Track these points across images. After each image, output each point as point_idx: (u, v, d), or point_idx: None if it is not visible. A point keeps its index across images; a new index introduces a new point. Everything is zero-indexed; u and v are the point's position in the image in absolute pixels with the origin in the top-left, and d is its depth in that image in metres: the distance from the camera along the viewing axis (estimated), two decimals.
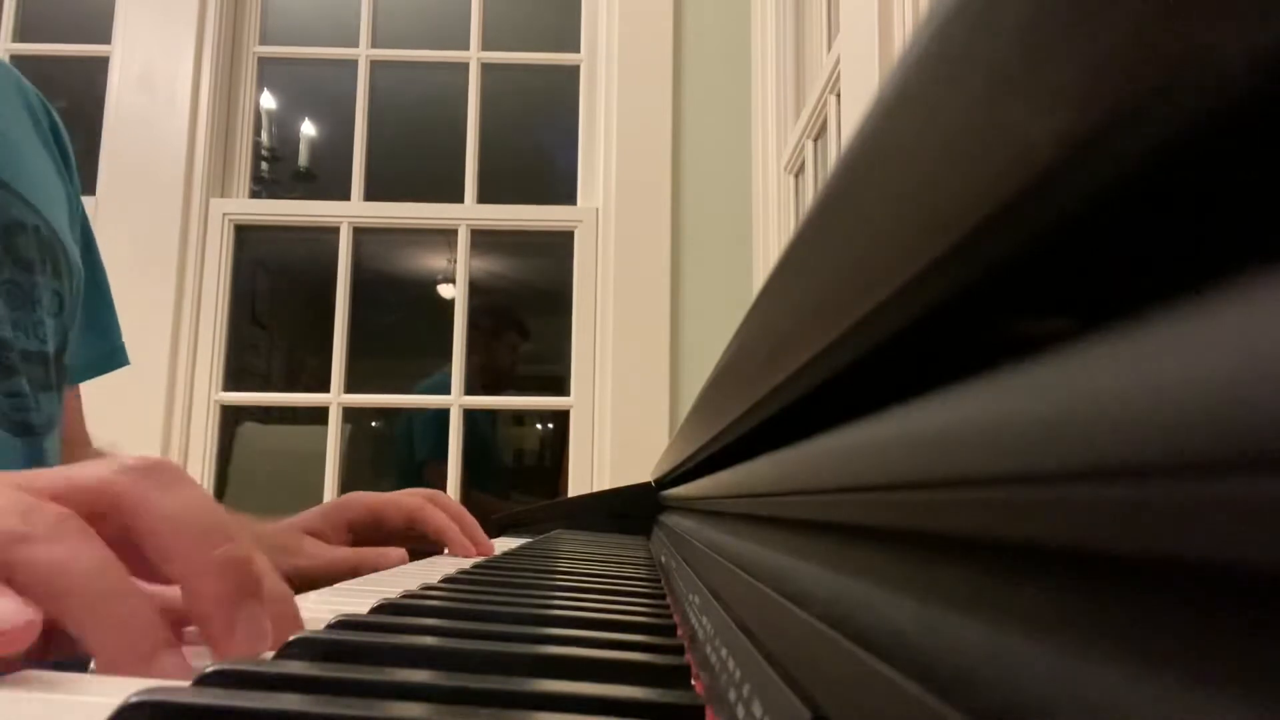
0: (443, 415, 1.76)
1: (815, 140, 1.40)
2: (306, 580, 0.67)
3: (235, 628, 0.27)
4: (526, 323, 2.29)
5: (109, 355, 0.76)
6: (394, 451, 2.18)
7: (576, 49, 1.81)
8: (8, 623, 0.22)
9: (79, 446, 0.74)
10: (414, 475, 1.95)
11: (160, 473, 0.28)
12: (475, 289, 1.82)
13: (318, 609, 0.34)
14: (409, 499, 0.75)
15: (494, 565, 0.55)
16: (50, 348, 0.62)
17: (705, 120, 1.69)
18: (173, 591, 0.29)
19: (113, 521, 0.27)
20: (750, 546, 0.26)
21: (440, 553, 0.76)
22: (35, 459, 0.59)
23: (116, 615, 0.25)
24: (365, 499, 0.75)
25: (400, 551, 0.70)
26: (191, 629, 0.30)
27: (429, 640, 0.27)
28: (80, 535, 0.26)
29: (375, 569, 0.68)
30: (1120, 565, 0.07)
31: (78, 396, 0.75)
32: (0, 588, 0.23)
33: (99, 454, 0.76)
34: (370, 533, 0.74)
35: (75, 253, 0.67)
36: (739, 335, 0.25)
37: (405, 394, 1.96)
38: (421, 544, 0.76)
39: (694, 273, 1.65)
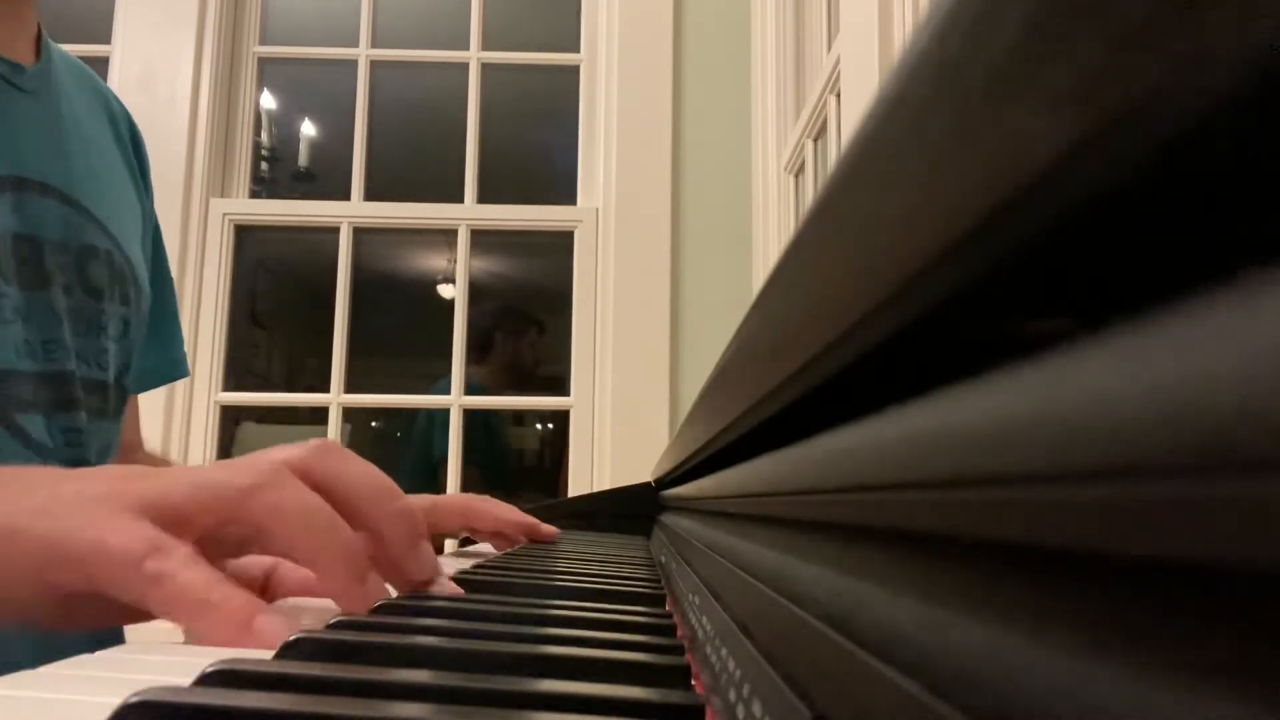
0: (466, 415, 1.77)
1: (815, 140, 1.40)
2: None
3: (418, 558, 0.36)
4: (543, 320, 2.31)
5: (171, 366, 0.77)
6: (406, 449, 2.18)
7: (576, 49, 1.81)
8: (284, 637, 0.27)
9: (134, 450, 0.76)
10: (430, 473, 1.95)
11: (335, 450, 0.36)
12: (475, 289, 1.82)
13: (317, 609, 0.34)
14: (461, 500, 0.81)
15: (494, 566, 0.55)
16: (110, 375, 0.62)
17: (705, 120, 1.69)
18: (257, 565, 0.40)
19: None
20: (750, 546, 0.26)
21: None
22: None
23: (338, 545, 0.32)
24: (419, 501, 0.78)
25: (553, 530, 0.78)
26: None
27: (429, 640, 0.27)
28: (298, 483, 0.33)
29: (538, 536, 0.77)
30: (1120, 565, 0.07)
31: (136, 402, 0.75)
32: (261, 603, 0.29)
33: (150, 456, 0.77)
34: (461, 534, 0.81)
35: (145, 278, 0.67)
36: (739, 335, 0.25)
37: (406, 394, 1.96)
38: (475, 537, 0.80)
39: (694, 273, 1.65)
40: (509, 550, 0.73)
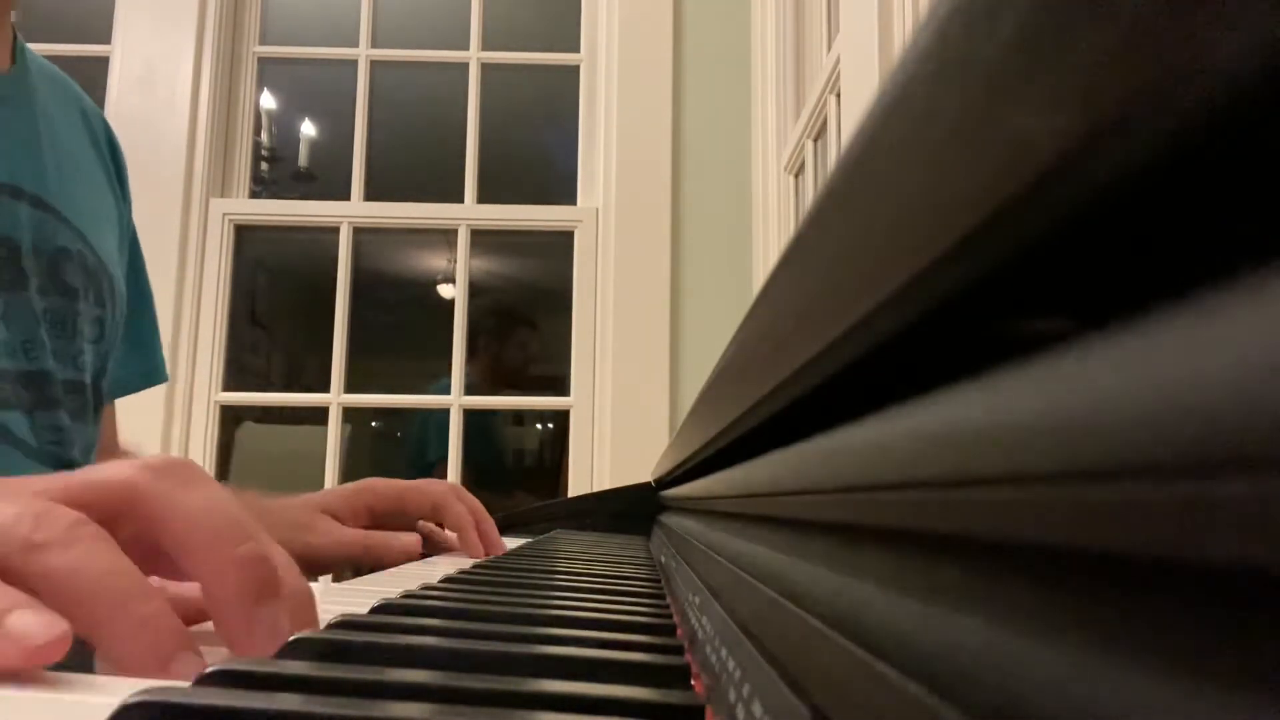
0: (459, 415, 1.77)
1: (815, 140, 1.40)
2: (316, 558, 0.68)
3: (254, 626, 0.27)
4: (534, 316, 2.30)
5: (149, 372, 0.77)
6: (403, 450, 2.18)
7: (576, 49, 1.81)
8: (41, 636, 0.22)
9: (109, 453, 0.75)
10: (425, 474, 1.95)
11: (178, 471, 0.28)
12: (475, 289, 1.82)
13: (318, 608, 0.34)
14: (435, 487, 0.76)
15: (494, 565, 0.55)
16: (88, 377, 0.62)
17: (705, 120, 1.69)
18: (190, 587, 0.29)
19: (131, 521, 0.27)
20: (750, 546, 0.26)
21: (439, 552, 0.77)
22: None
23: (134, 619, 0.25)
24: (391, 484, 0.76)
25: (413, 537, 0.71)
26: (208, 626, 0.30)
27: (429, 640, 0.27)
28: (94, 539, 0.25)
29: (385, 552, 0.68)
30: (1120, 565, 0.07)
31: (114, 407, 0.75)
32: (28, 599, 0.23)
33: (125, 455, 0.76)
34: (391, 519, 0.75)
35: (120, 279, 0.67)
36: (739, 335, 0.25)
37: (406, 394, 1.96)
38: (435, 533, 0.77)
39: (694, 273, 1.65)
40: (509, 550, 0.73)
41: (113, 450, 0.75)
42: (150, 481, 0.28)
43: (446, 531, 0.77)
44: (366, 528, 0.73)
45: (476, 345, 2.08)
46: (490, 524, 0.76)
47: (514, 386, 2.13)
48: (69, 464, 0.59)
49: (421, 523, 0.76)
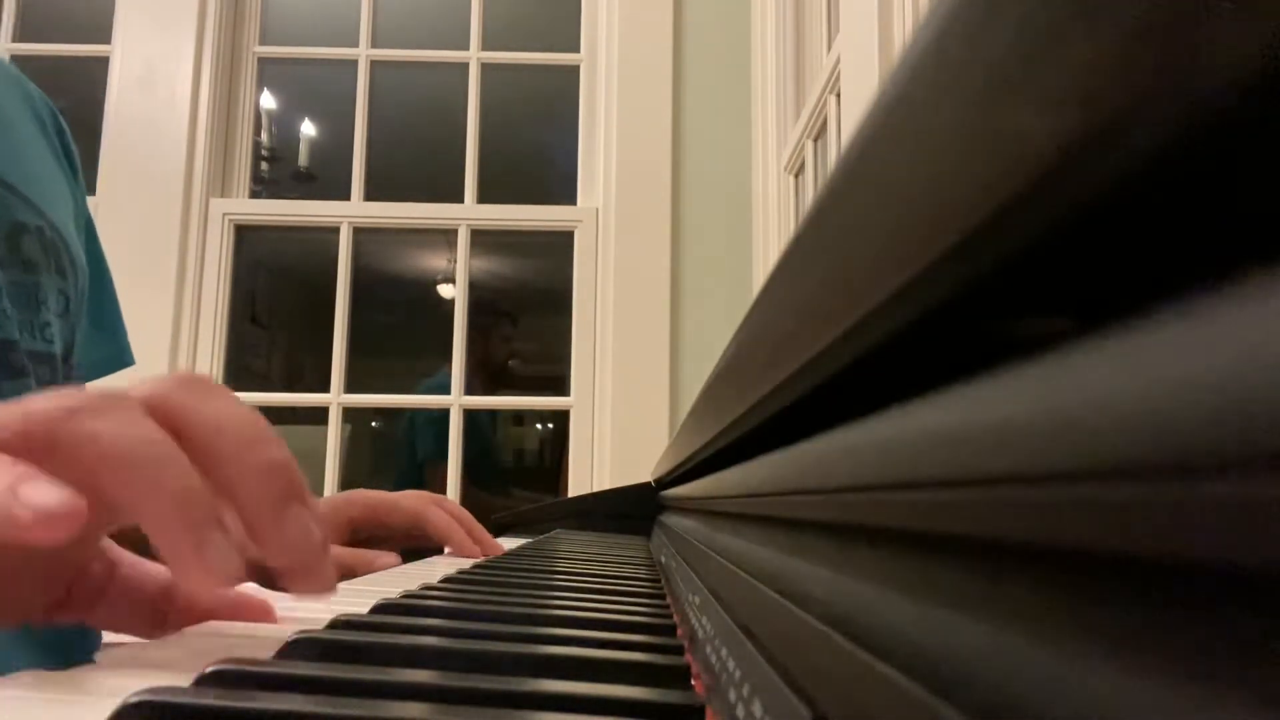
0: (444, 415, 1.77)
1: (815, 140, 1.40)
2: None
3: (285, 526, 0.27)
4: (515, 313, 2.31)
5: (115, 356, 0.76)
6: (394, 451, 2.18)
7: (576, 49, 1.81)
8: (56, 505, 0.22)
9: None
10: (415, 475, 1.95)
11: (200, 384, 0.28)
12: (475, 289, 1.82)
13: (318, 608, 0.34)
14: (412, 501, 0.75)
15: (494, 565, 0.55)
16: (58, 349, 0.62)
17: (705, 120, 1.69)
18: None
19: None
20: (750, 546, 0.26)
21: (440, 553, 0.76)
22: None
23: (170, 482, 0.24)
24: (369, 497, 0.75)
25: (393, 557, 0.70)
26: (210, 626, 0.30)
27: (429, 640, 0.27)
28: (129, 410, 0.25)
29: (368, 571, 0.68)
30: (1120, 565, 0.07)
31: None
32: (39, 472, 0.23)
33: None
34: (371, 531, 0.74)
35: (80, 252, 0.66)
36: (739, 335, 0.25)
37: (405, 394, 1.96)
38: (422, 544, 0.76)
39: (694, 273, 1.65)
40: (509, 551, 0.73)
41: None
42: (174, 392, 0.27)
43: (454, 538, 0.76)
44: (347, 543, 0.73)
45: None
46: (479, 528, 0.75)
47: (498, 382, 2.14)
48: None
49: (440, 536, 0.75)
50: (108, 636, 0.41)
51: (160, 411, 0.27)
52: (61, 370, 0.62)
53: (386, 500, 0.75)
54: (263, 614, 0.34)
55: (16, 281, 0.59)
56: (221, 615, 0.33)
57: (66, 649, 0.25)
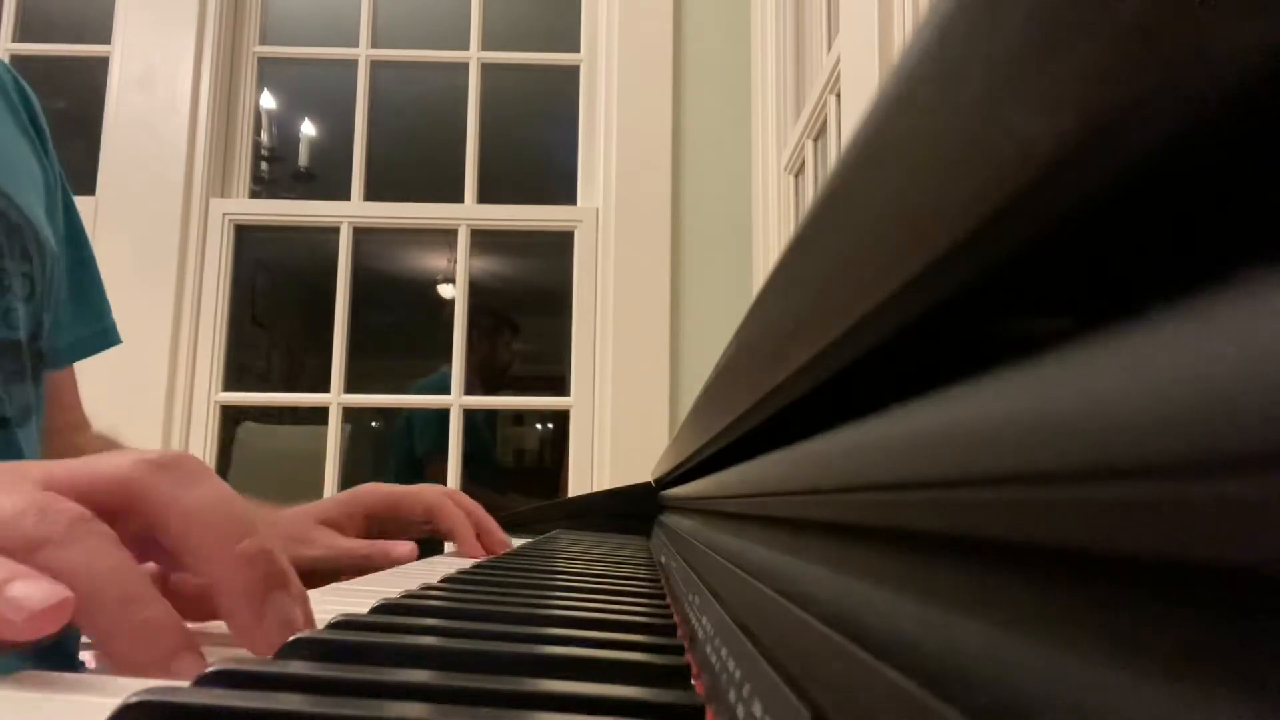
0: (442, 412, 1.77)
1: (815, 140, 1.40)
2: (317, 570, 0.68)
3: (266, 620, 0.27)
4: (517, 320, 2.33)
5: (100, 335, 0.74)
6: (393, 448, 2.18)
7: (576, 49, 1.81)
8: (42, 603, 0.23)
9: (78, 430, 0.73)
10: (413, 471, 1.95)
11: (180, 467, 0.28)
12: (475, 289, 1.82)
13: (318, 609, 0.34)
14: (429, 492, 0.76)
15: (494, 565, 0.55)
16: (22, 335, 0.60)
17: (705, 120, 1.69)
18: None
19: (131, 517, 0.27)
20: (750, 546, 0.26)
21: (439, 552, 0.77)
22: (10, 454, 0.57)
23: (135, 621, 0.25)
24: (384, 490, 0.75)
25: (410, 545, 0.71)
26: (211, 626, 0.30)
27: (429, 640, 0.27)
28: (98, 537, 0.26)
29: (384, 561, 0.68)
30: (1120, 565, 0.07)
31: (73, 377, 0.73)
32: (28, 570, 0.24)
33: (101, 437, 0.75)
34: (386, 524, 0.74)
35: (48, 234, 0.64)
36: (739, 335, 0.25)
37: (405, 394, 1.96)
38: (436, 536, 0.76)
39: (694, 273, 1.65)
40: (472, 553, 0.73)
41: (79, 426, 0.74)
42: (152, 478, 0.28)
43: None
44: (363, 535, 0.73)
45: (466, 343, 2.09)
46: (492, 523, 0.76)
47: (499, 385, 2.15)
48: (4, 422, 0.57)
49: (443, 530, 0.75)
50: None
51: (137, 499, 0.27)
52: (27, 356, 0.61)
53: (408, 493, 0.75)
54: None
55: None
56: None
57: (47, 648, 0.25)
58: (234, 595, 0.27)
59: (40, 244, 0.62)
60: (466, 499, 0.77)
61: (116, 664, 0.25)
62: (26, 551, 0.25)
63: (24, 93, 0.68)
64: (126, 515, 0.27)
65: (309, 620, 0.30)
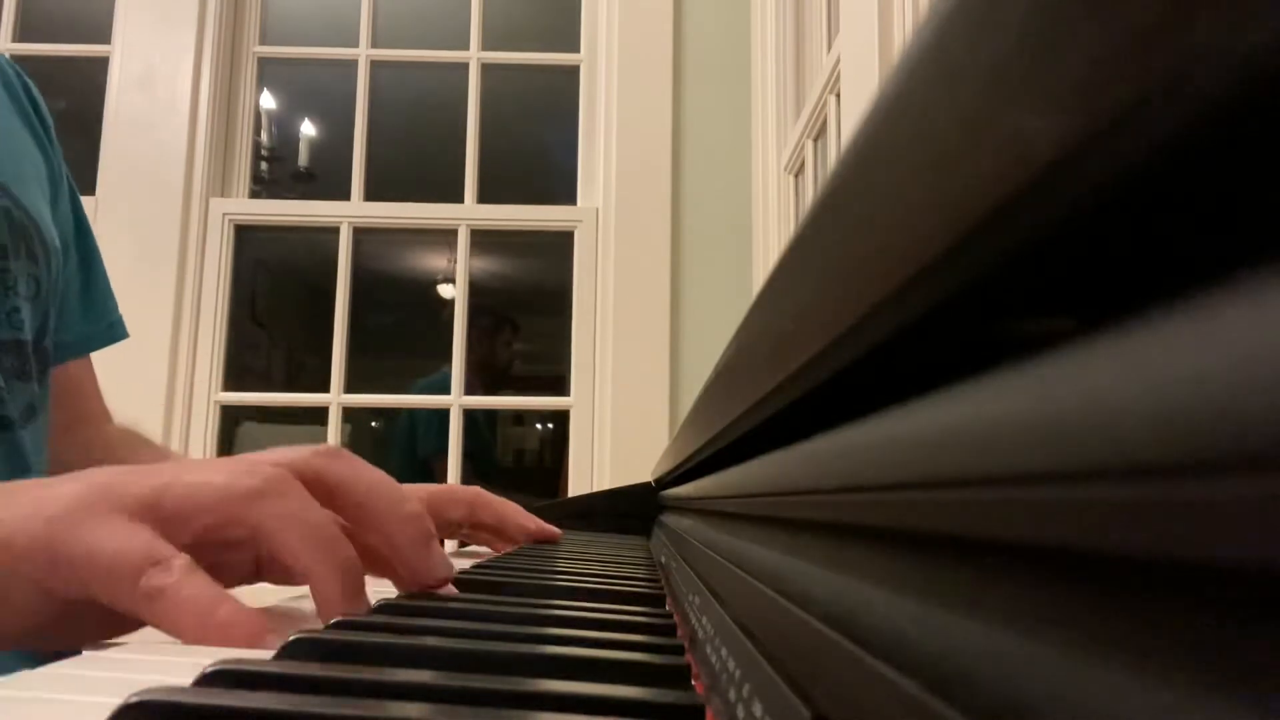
0: (445, 413, 1.77)
1: (815, 140, 1.40)
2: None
3: (432, 562, 0.36)
4: (517, 319, 2.33)
5: (107, 329, 0.74)
6: (394, 448, 2.18)
7: (576, 49, 1.81)
8: (248, 627, 0.28)
9: (98, 420, 0.73)
10: (415, 472, 1.95)
11: (344, 455, 0.36)
12: (475, 289, 1.82)
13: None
14: (465, 490, 0.76)
15: (494, 565, 0.55)
16: (28, 334, 0.60)
17: (705, 120, 1.69)
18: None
19: (316, 493, 0.33)
20: (750, 546, 0.26)
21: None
22: (11, 454, 0.57)
23: (337, 560, 0.32)
24: (425, 490, 0.75)
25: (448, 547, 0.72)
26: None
27: (429, 640, 0.27)
28: (303, 491, 0.32)
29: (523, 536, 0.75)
30: (1120, 565, 0.07)
31: (91, 367, 0.73)
32: (224, 594, 0.29)
33: (122, 429, 0.75)
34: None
35: (52, 233, 0.64)
36: (739, 335, 0.25)
37: (405, 394, 1.96)
38: (472, 538, 0.77)
39: (694, 273, 1.65)
40: (509, 550, 0.73)
41: (99, 417, 0.73)
42: (329, 463, 0.35)
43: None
44: None
45: (466, 342, 2.09)
46: (526, 515, 0.77)
47: (499, 387, 2.15)
48: (6, 422, 0.58)
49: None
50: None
51: (320, 483, 0.34)
52: (32, 355, 0.61)
53: (443, 492, 0.75)
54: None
55: None
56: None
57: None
58: (408, 544, 0.35)
59: (45, 243, 0.62)
60: (498, 499, 0.77)
61: (319, 592, 0.32)
62: (251, 501, 0.31)
63: (26, 85, 0.68)
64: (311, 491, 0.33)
65: (450, 566, 0.38)
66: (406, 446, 2.04)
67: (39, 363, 0.62)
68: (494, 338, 2.16)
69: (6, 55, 0.70)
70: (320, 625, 0.29)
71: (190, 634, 0.28)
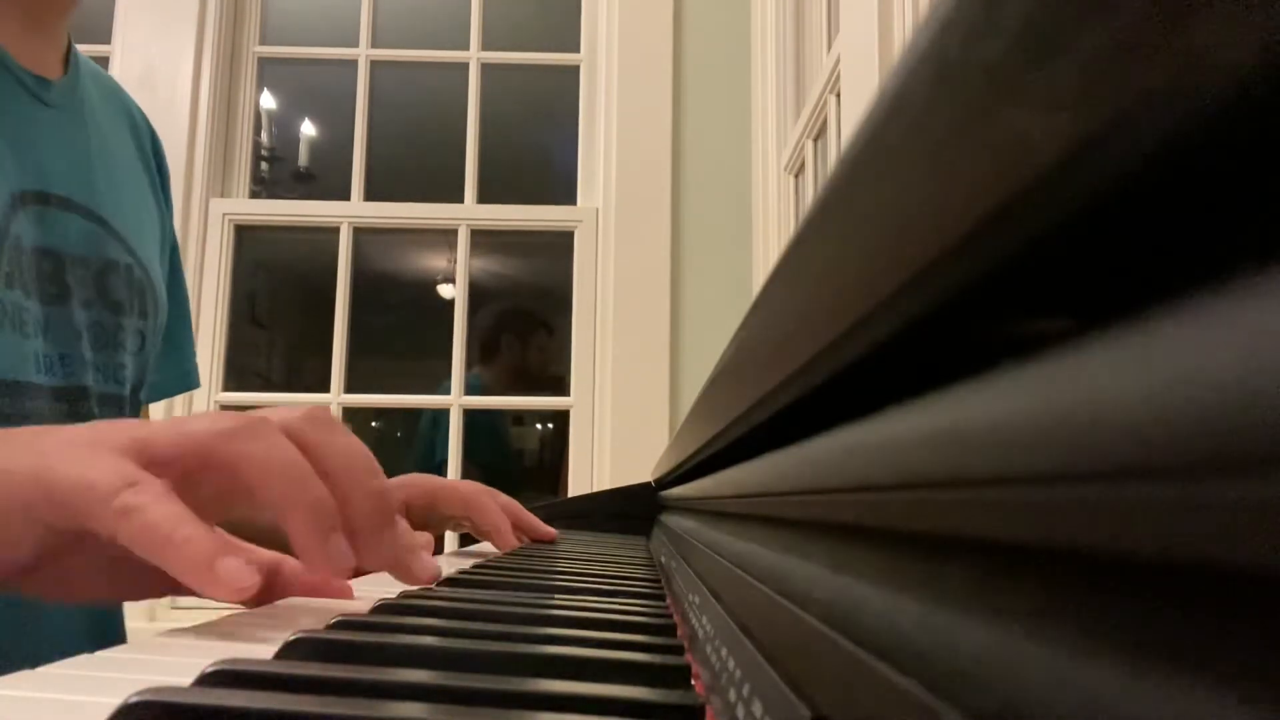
0: (468, 416, 1.77)
1: (815, 140, 1.40)
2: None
3: (380, 541, 0.36)
4: (551, 321, 2.30)
5: (183, 377, 0.76)
6: (412, 450, 2.18)
7: (576, 49, 1.81)
8: (246, 581, 0.30)
9: None
10: (434, 473, 1.94)
11: (325, 418, 0.36)
12: (475, 289, 1.82)
13: (318, 609, 0.34)
14: (467, 487, 0.76)
15: (494, 565, 0.55)
16: (127, 389, 0.62)
17: (705, 120, 1.69)
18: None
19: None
20: (750, 546, 0.26)
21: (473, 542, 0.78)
22: None
23: (309, 498, 0.33)
24: (424, 481, 0.75)
25: (427, 537, 0.71)
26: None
27: (429, 640, 0.27)
28: (274, 434, 0.33)
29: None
30: (1119, 565, 0.07)
31: (148, 412, 0.75)
32: (226, 544, 0.30)
33: None
34: (423, 514, 0.74)
35: (163, 290, 0.67)
36: (739, 335, 0.25)
37: (405, 394, 1.96)
38: (471, 530, 0.77)
39: (694, 273, 1.65)
40: (509, 550, 0.73)
41: None
42: (307, 424, 0.35)
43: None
44: None
45: (499, 346, 2.08)
46: (531, 517, 0.77)
47: (532, 388, 2.14)
48: None
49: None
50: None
51: (297, 440, 0.34)
52: (128, 410, 0.62)
53: (445, 487, 0.75)
54: (343, 593, 0.40)
55: (99, 322, 0.59)
56: (315, 594, 0.41)
57: (67, 649, 0.27)
58: (363, 517, 0.35)
59: (157, 300, 0.65)
60: (503, 496, 0.77)
61: (293, 530, 0.32)
62: (229, 440, 0.33)
63: (153, 135, 0.71)
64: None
65: (413, 549, 0.38)
66: (426, 449, 2.03)
67: (132, 414, 0.64)
68: (527, 340, 2.14)
69: (136, 103, 0.72)
70: (314, 610, 0.29)
71: (150, 550, 0.30)
